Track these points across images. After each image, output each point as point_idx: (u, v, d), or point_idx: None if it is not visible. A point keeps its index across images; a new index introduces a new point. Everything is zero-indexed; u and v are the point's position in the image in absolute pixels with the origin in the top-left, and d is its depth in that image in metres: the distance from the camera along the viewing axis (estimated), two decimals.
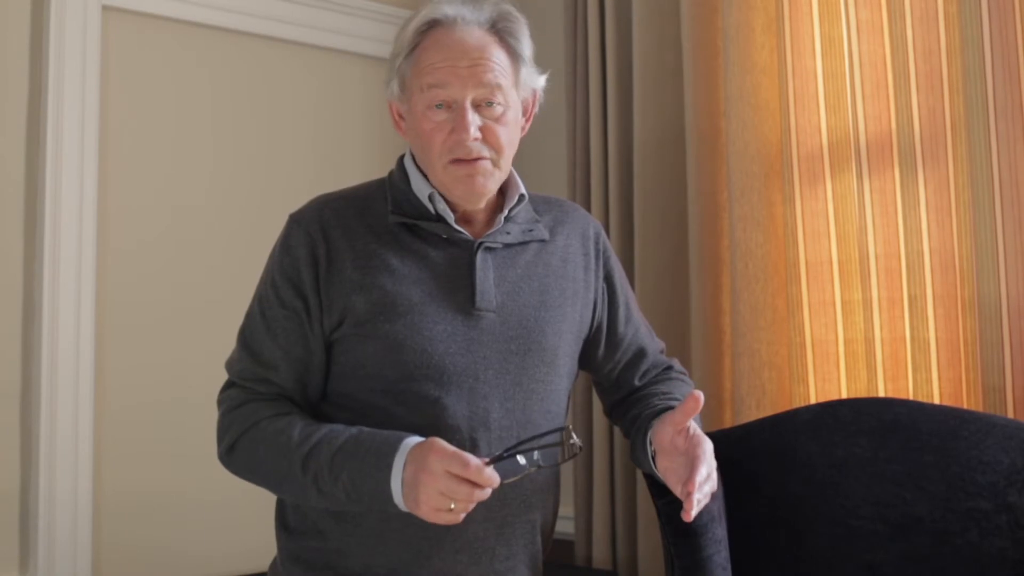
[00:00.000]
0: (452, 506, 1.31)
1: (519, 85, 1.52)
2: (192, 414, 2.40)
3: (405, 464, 1.35)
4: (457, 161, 1.48)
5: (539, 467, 1.38)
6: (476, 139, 1.47)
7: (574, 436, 1.35)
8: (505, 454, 1.35)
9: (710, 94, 2.33)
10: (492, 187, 1.52)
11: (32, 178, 2.32)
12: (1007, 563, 1.64)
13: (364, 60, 2.83)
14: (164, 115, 2.52)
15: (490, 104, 1.48)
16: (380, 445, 1.39)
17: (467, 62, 1.47)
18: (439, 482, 1.31)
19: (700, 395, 1.38)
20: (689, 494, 1.34)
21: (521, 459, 1.35)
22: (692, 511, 1.33)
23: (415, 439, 1.38)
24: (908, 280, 2.02)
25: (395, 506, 1.37)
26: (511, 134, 1.51)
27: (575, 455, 1.37)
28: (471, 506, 1.33)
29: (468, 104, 1.47)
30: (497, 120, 1.49)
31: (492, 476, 1.31)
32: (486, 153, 1.48)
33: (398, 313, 1.47)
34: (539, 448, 1.37)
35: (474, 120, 1.46)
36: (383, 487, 1.36)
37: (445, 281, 1.51)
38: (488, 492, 1.32)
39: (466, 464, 1.30)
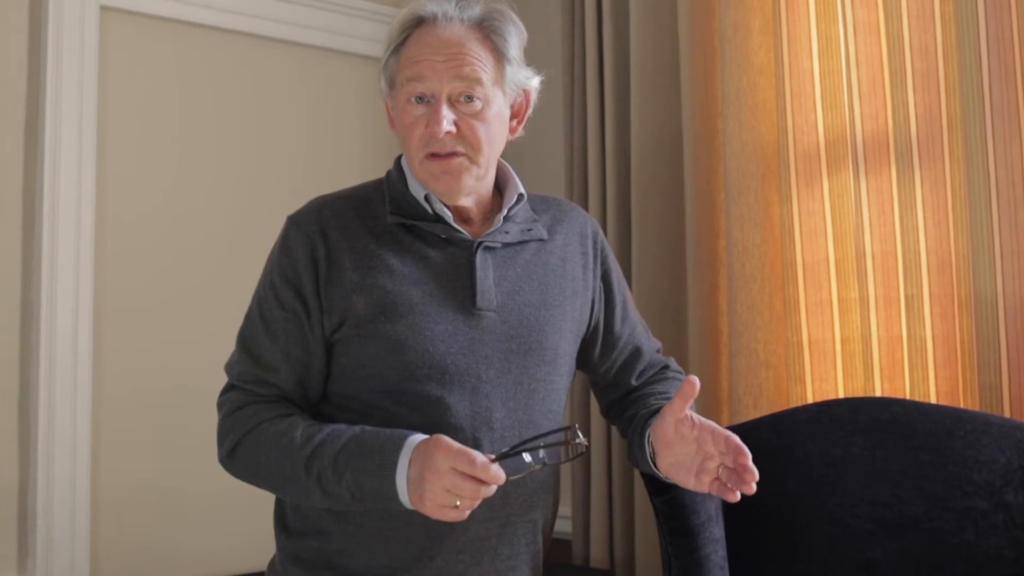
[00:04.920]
0: (457, 503, 1.31)
1: (504, 83, 1.52)
2: (191, 412, 2.41)
3: (410, 462, 1.35)
4: (432, 156, 1.48)
5: (544, 464, 1.37)
6: (450, 133, 1.46)
7: (580, 435, 1.35)
8: (512, 451, 1.34)
9: (707, 94, 2.34)
10: (470, 183, 1.51)
11: (30, 177, 2.33)
12: (1003, 562, 1.65)
13: (359, 60, 2.84)
14: (161, 114, 2.53)
15: (468, 99, 1.47)
16: (384, 443, 1.38)
17: (444, 56, 1.47)
18: (445, 479, 1.30)
19: (696, 380, 1.39)
20: (745, 466, 1.35)
21: (527, 457, 1.35)
22: (753, 482, 1.35)
23: (419, 437, 1.38)
24: (905, 279, 2.02)
25: (400, 504, 1.37)
26: (491, 131, 1.50)
27: (580, 454, 1.37)
28: (476, 503, 1.32)
29: (444, 98, 1.47)
30: (475, 116, 1.48)
31: (498, 473, 1.30)
32: (461, 149, 1.48)
33: (399, 313, 1.47)
34: (545, 447, 1.36)
35: (448, 114, 1.46)
36: (388, 485, 1.36)
37: (445, 281, 1.51)
38: (493, 489, 1.31)
39: (472, 461, 1.29)
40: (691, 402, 1.41)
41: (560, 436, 1.38)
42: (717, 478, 1.39)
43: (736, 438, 1.38)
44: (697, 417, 1.42)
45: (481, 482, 1.30)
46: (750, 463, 1.36)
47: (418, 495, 1.33)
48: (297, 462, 1.42)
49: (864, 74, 2.09)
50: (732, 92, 2.23)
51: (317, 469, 1.41)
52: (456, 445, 1.32)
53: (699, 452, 1.41)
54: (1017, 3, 1.87)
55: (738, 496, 1.38)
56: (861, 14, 2.09)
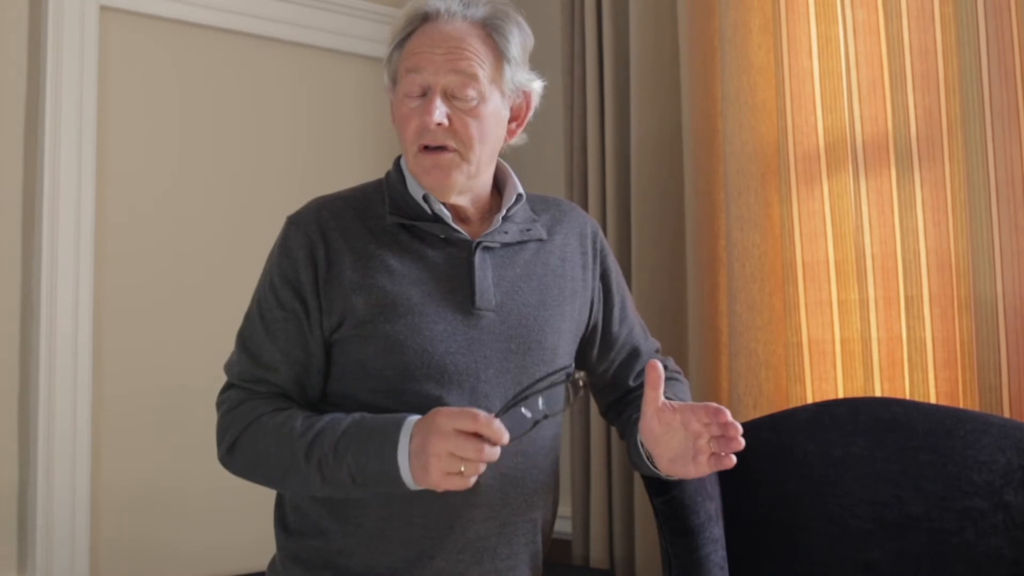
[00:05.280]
0: (462, 468, 1.29)
1: (502, 83, 1.51)
2: (191, 412, 2.41)
3: (411, 437, 1.34)
4: (424, 149, 1.48)
5: (545, 417, 1.35)
6: (441, 125, 1.46)
7: (577, 373, 1.34)
8: (512, 402, 1.33)
9: (707, 94, 2.34)
10: (460, 180, 1.50)
11: (30, 178, 2.33)
12: (1003, 562, 1.65)
13: (360, 60, 2.84)
14: (161, 114, 2.53)
15: (464, 94, 1.47)
16: (385, 425, 1.38)
17: (443, 49, 1.47)
18: (448, 441, 1.29)
19: (657, 363, 1.40)
20: (726, 423, 1.34)
21: (526, 412, 1.34)
22: (739, 435, 1.34)
23: (418, 416, 1.38)
24: (904, 280, 2.02)
25: (402, 484, 1.36)
26: (484, 128, 1.49)
27: (579, 395, 1.35)
28: (482, 468, 1.31)
29: (438, 90, 1.47)
30: (469, 112, 1.48)
31: (501, 429, 1.29)
32: (452, 143, 1.47)
33: (398, 313, 1.47)
34: (543, 391, 1.35)
35: (441, 107, 1.46)
36: (390, 465, 1.35)
37: (444, 281, 1.51)
38: (497, 452, 1.30)
39: (475, 417, 1.29)
40: (661, 386, 1.40)
41: (559, 379, 1.36)
42: (713, 453, 1.38)
43: (714, 404, 1.37)
44: (676, 403, 1.42)
45: (485, 441, 1.29)
46: (730, 417, 1.35)
47: (421, 464, 1.32)
48: (297, 451, 1.42)
49: (864, 75, 2.09)
50: (732, 92, 2.23)
51: (318, 456, 1.40)
52: (456, 407, 1.32)
53: (688, 435, 1.40)
54: (1017, 5, 1.87)
55: (734, 460, 1.36)
56: (861, 15, 2.10)
